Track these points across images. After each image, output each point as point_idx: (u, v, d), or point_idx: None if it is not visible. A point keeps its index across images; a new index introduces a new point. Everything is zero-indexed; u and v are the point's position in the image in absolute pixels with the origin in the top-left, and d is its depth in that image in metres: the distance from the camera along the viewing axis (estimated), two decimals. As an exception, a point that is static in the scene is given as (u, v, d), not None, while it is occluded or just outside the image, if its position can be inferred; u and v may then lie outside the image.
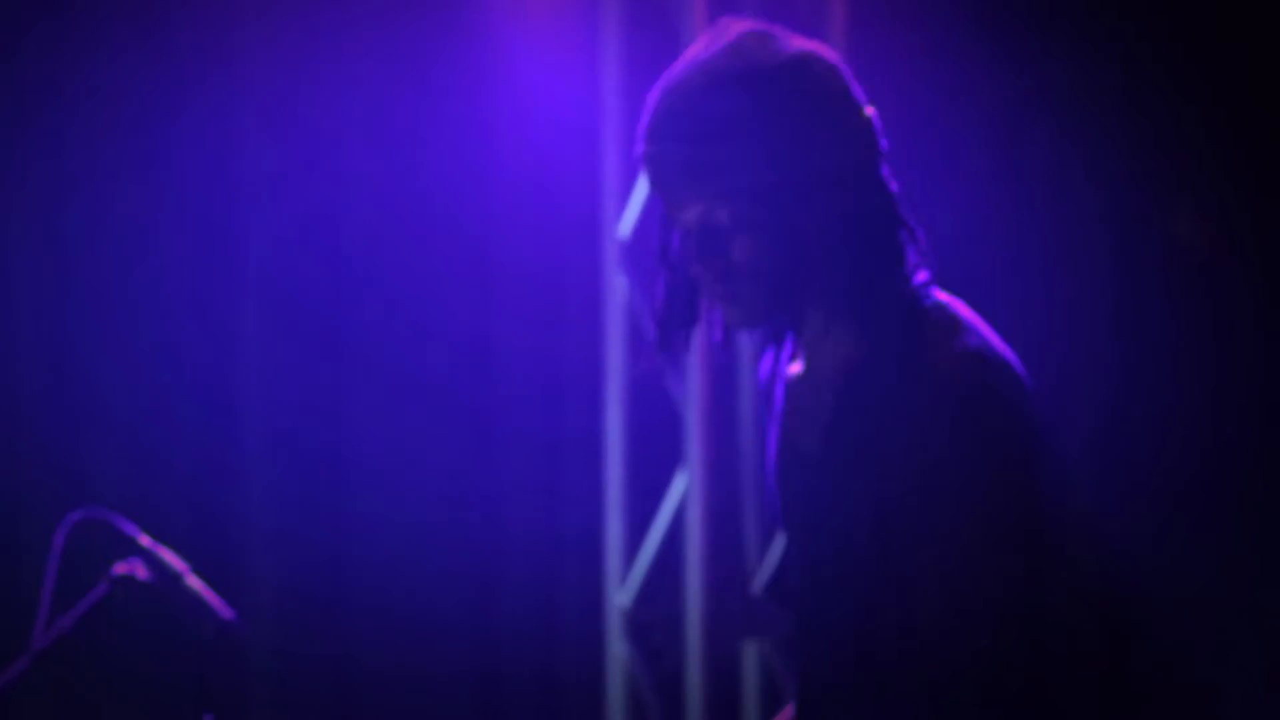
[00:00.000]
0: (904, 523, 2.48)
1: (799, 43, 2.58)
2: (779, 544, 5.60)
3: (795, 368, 2.66)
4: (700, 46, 2.58)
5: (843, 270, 2.57)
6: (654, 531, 5.43)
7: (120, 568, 3.26)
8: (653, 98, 2.59)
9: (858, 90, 2.59)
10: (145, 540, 3.30)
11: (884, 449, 2.51)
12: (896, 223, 2.60)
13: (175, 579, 3.27)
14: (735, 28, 2.59)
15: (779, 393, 2.68)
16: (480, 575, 5.50)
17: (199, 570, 3.37)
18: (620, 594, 5.43)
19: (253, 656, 5.06)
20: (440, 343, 5.43)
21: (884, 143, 2.60)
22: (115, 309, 5.15)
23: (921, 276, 2.60)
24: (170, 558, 3.30)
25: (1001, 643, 2.46)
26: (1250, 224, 5.35)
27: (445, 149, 5.42)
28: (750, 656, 5.64)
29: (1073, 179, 5.27)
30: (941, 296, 2.60)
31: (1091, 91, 5.31)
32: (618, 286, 5.42)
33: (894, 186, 2.60)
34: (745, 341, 5.61)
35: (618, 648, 5.41)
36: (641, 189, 5.39)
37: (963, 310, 2.59)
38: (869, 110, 2.59)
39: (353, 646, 5.28)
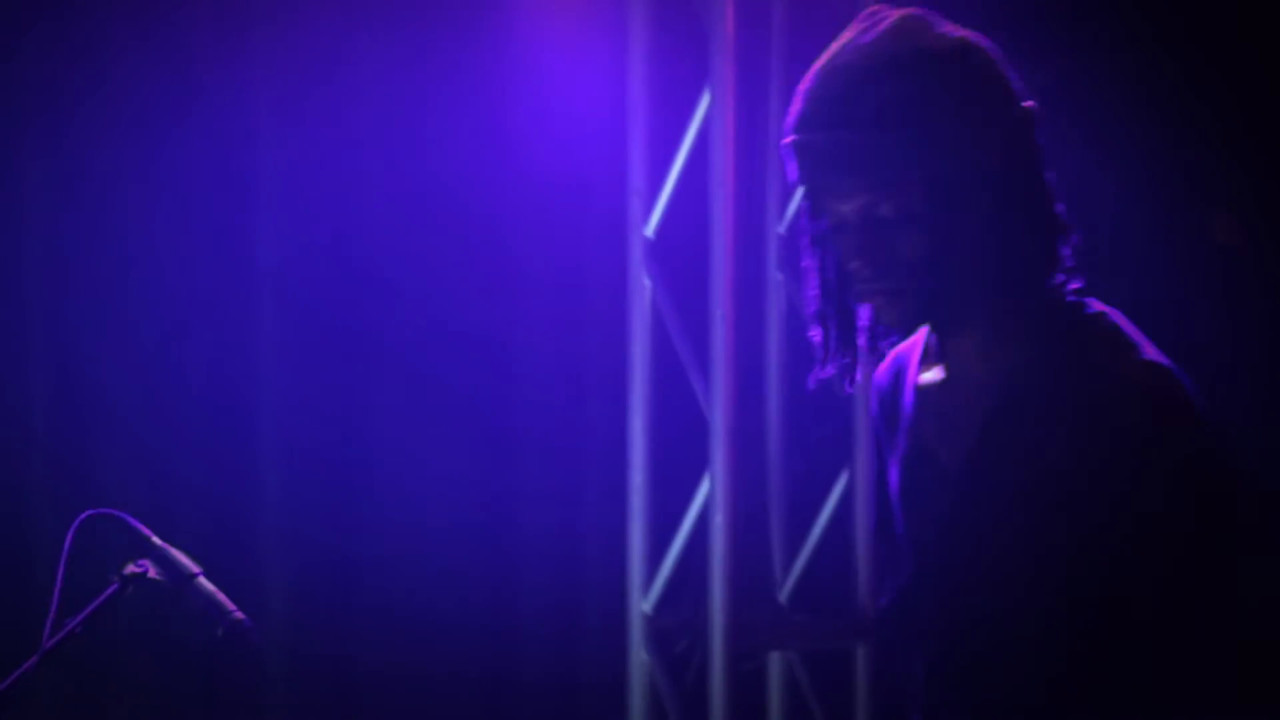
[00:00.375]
0: (1099, 535, 2.40)
1: (958, 29, 2.49)
2: (806, 554, 5.53)
3: (932, 375, 2.57)
4: (857, 31, 2.49)
5: (1004, 271, 2.48)
6: (678, 538, 5.35)
7: (131, 567, 3.18)
8: (809, 84, 2.49)
9: (1018, 81, 2.50)
10: (156, 540, 3.22)
11: (1058, 459, 2.43)
12: (1056, 223, 2.51)
13: (187, 579, 3.19)
14: (891, 12, 2.49)
15: (908, 402, 2.59)
16: (502, 580, 5.44)
17: (214, 572, 3.30)
18: (643, 601, 5.35)
19: (268, 661, 5.01)
20: (462, 343, 5.36)
21: (1042, 138, 2.52)
22: (129, 307, 5.09)
23: (1078, 282, 2.52)
24: (182, 558, 3.21)
25: (1214, 651, 2.40)
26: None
27: (470, 148, 5.35)
28: (775, 667, 5.56)
29: (1099, 180, 5.19)
30: (1099, 305, 2.52)
31: (1116, 89, 5.24)
32: (644, 287, 5.34)
33: (1053, 184, 2.52)
34: (772, 344, 5.57)
35: (640, 655, 5.33)
36: (669, 188, 5.32)
37: (1123, 320, 2.51)
38: (1029, 103, 2.51)
39: (370, 651, 5.23)
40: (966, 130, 2.44)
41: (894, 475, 2.61)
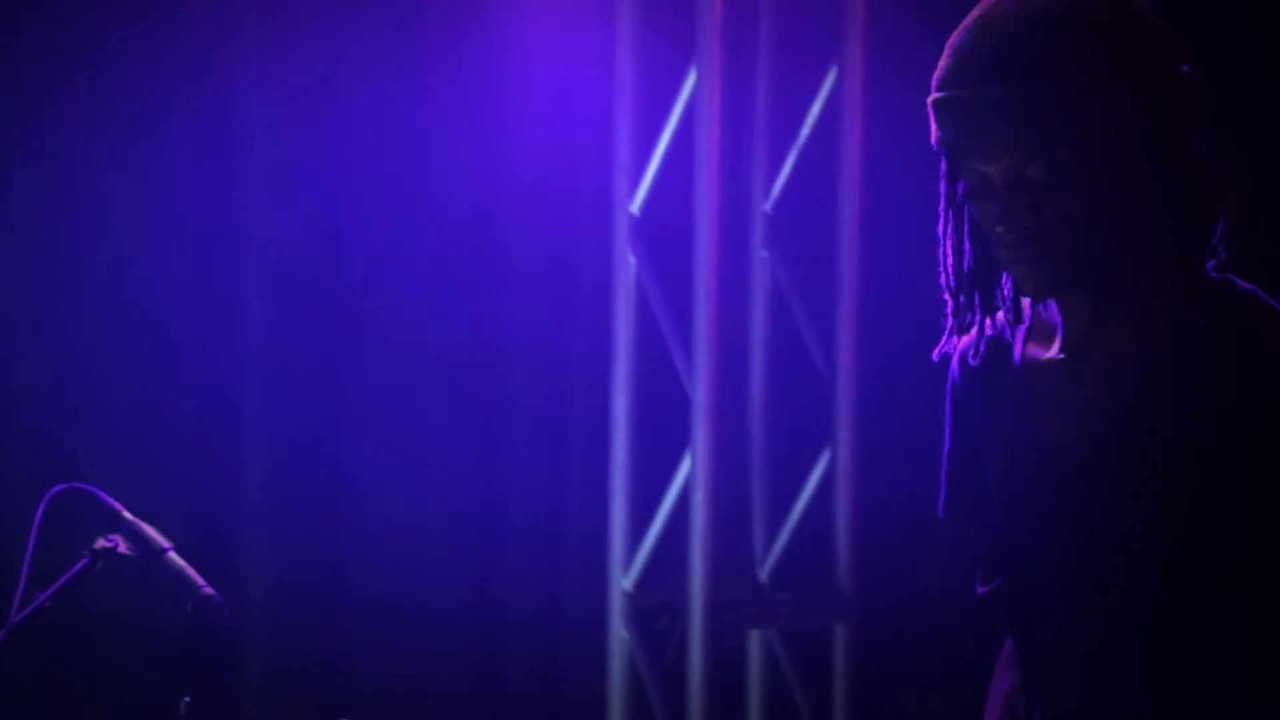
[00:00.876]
0: (1264, 519, 2.33)
1: None
2: (787, 533, 5.53)
3: (1046, 352, 2.47)
4: None
5: (1154, 241, 2.38)
6: (659, 516, 5.35)
7: (101, 542, 3.19)
8: (959, 39, 2.38)
9: (1175, 43, 2.40)
10: (127, 515, 3.23)
11: (1216, 439, 2.34)
12: (1208, 195, 2.40)
13: (157, 554, 3.20)
14: None
15: (1014, 380, 2.49)
16: (483, 557, 5.44)
17: (194, 554, 3.30)
18: (624, 579, 5.35)
19: (245, 639, 5.01)
20: (447, 320, 5.36)
21: (1199, 107, 2.41)
22: (110, 285, 5.07)
23: (1222, 258, 2.42)
24: (152, 533, 3.23)
25: None
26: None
27: (456, 126, 5.34)
28: (755, 645, 5.57)
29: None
30: (1246, 284, 2.43)
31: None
32: (628, 264, 5.33)
33: (1208, 154, 2.40)
34: (756, 323, 5.57)
35: (620, 633, 5.34)
36: (654, 165, 5.31)
37: (1275, 302, 2.42)
38: (1187, 67, 2.40)
39: (350, 629, 5.23)
40: (1122, 90, 2.33)
41: (993, 456, 2.52)
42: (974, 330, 2.50)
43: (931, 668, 5.65)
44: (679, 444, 5.27)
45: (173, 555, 3.23)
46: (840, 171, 5.38)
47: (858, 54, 5.34)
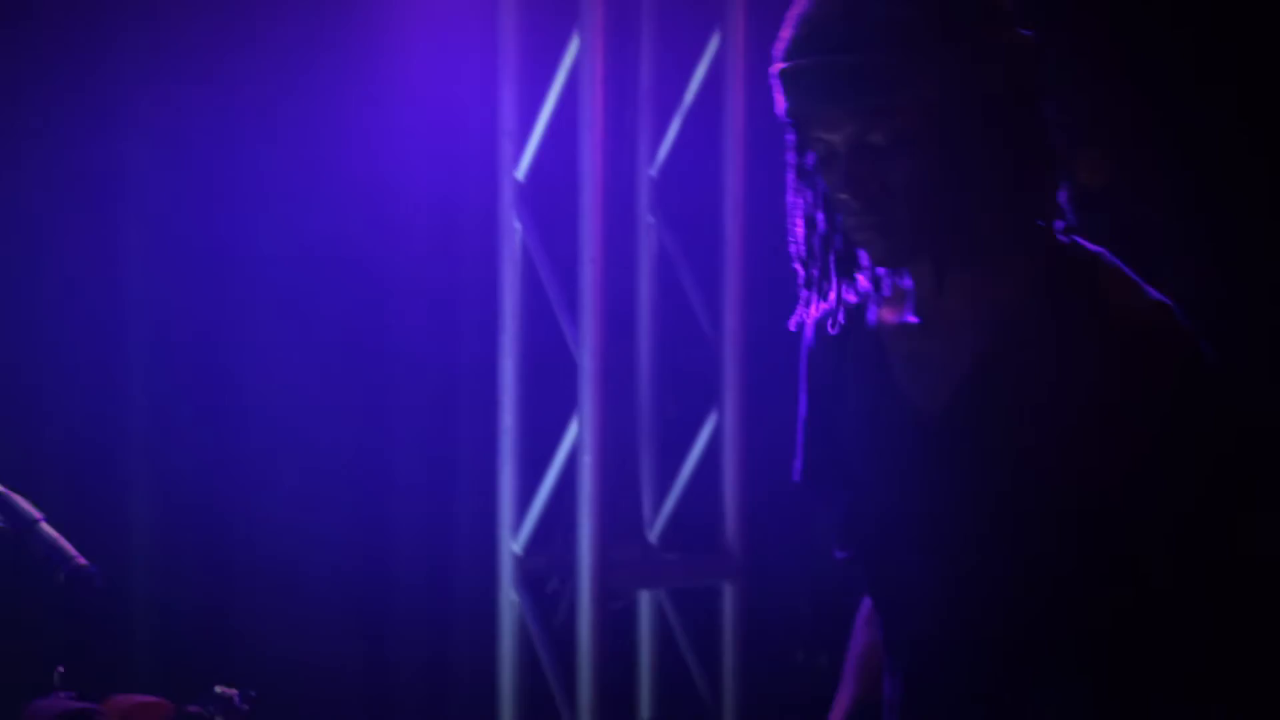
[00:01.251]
0: (1108, 474, 2.34)
1: None
2: (675, 494, 5.58)
3: (901, 316, 2.48)
4: None
5: (999, 205, 2.39)
6: (547, 479, 5.39)
7: (-30, 513, 3.17)
8: (800, 9, 2.39)
9: (1017, 8, 2.41)
10: (-1, 486, 3.22)
11: (1063, 398, 2.35)
12: (1054, 158, 2.41)
13: (28, 525, 3.19)
14: None
15: (869, 344, 2.51)
16: (372, 523, 5.46)
17: (67, 523, 3.30)
18: (513, 542, 5.40)
19: (124, 608, 5.00)
20: (332, 284, 5.36)
21: (1044, 70, 2.41)
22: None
23: (1070, 220, 2.43)
24: (23, 503, 3.21)
25: (1213, 588, 2.35)
26: (1151, 163, 5.34)
27: (341, 91, 5.34)
28: (645, 605, 5.62)
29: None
30: (1093, 247, 2.44)
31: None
32: (514, 229, 5.36)
33: (1052, 118, 2.41)
34: (643, 287, 5.61)
35: (510, 596, 5.38)
36: (539, 131, 5.34)
37: (1119, 261, 2.43)
38: (1029, 33, 2.41)
39: (234, 593, 5.22)
40: (962, 55, 2.34)
41: (849, 421, 2.54)
42: (831, 298, 2.50)
43: (818, 624, 5.73)
44: (567, 408, 5.31)
45: (44, 526, 3.20)
46: (724, 136, 5.43)
47: (740, 20, 5.40)
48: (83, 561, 3.19)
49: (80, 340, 5.09)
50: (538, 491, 5.40)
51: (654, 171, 5.56)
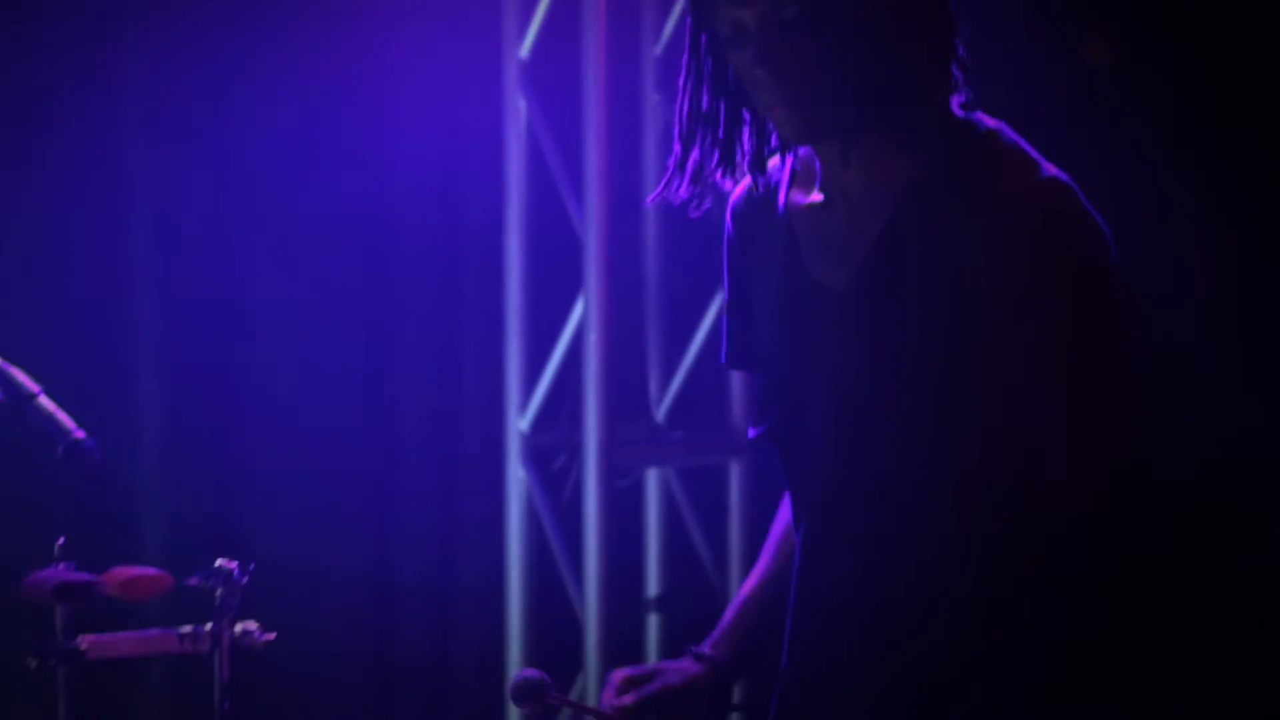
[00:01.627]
0: (1004, 345, 2.38)
1: None
2: (682, 372, 5.60)
3: (808, 196, 2.53)
4: None
5: (904, 80, 2.44)
6: (554, 357, 5.41)
7: (-32, 387, 3.21)
8: None
9: None
10: (-2, 359, 3.26)
11: (961, 271, 2.39)
12: (953, 32, 2.46)
13: (26, 399, 3.22)
14: None
15: (779, 224, 2.55)
16: (380, 397, 5.48)
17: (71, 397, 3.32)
18: (520, 420, 5.42)
19: (125, 482, 5.03)
20: (337, 165, 5.35)
21: None
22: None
23: (969, 97, 2.48)
24: (21, 376, 3.25)
25: (1109, 462, 2.38)
26: (1155, 42, 5.31)
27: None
28: (652, 483, 5.65)
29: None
30: (992, 120, 2.48)
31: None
32: (518, 108, 5.35)
33: None
34: (649, 165, 5.59)
35: (517, 473, 5.41)
36: (543, 8, 5.32)
37: (1018, 136, 2.47)
38: None
39: (242, 468, 5.25)
40: None
41: (763, 301, 2.58)
42: (744, 181, 2.57)
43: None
44: (573, 287, 5.32)
45: (43, 400, 3.25)
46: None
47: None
48: (80, 435, 3.23)
49: (87, 213, 5.09)
50: (544, 370, 5.42)
51: (659, 49, 5.54)
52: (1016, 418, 2.41)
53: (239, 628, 3.20)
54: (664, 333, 5.62)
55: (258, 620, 3.22)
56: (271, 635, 3.19)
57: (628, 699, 2.66)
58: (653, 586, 5.62)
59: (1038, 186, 2.40)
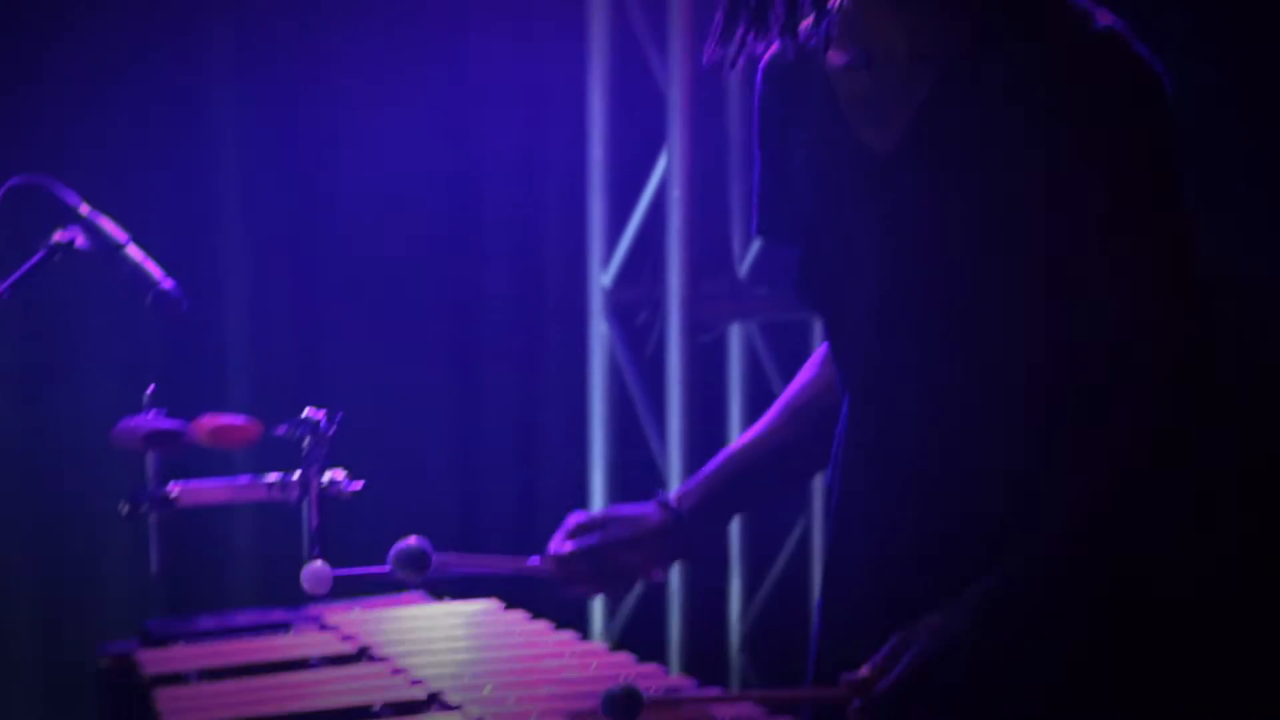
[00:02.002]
0: (1054, 208, 2.34)
1: None
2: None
3: (849, 58, 2.48)
4: None
5: None
6: (637, 212, 5.40)
7: (58, 235, 3.23)
8: None
9: None
10: (85, 208, 3.27)
11: (1016, 131, 2.36)
12: None
13: (115, 248, 3.25)
14: None
15: (820, 86, 2.49)
16: (464, 252, 5.50)
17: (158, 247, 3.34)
18: (603, 275, 5.42)
19: (212, 330, 5.09)
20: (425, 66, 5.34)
21: None
22: None
23: None
24: (110, 226, 3.27)
25: (1174, 330, 2.34)
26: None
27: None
28: (735, 337, 5.66)
29: None
30: None
31: None
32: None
33: None
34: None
35: (600, 327, 5.42)
36: None
37: None
38: None
39: (329, 313, 5.30)
40: None
41: (801, 167, 2.52)
42: (777, 42, 2.48)
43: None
44: (656, 141, 5.30)
45: (131, 249, 3.27)
46: None
47: None
48: (169, 284, 3.26)
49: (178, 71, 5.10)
50: (627, 225, 5.41)
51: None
52: (1072, 289, 2.37)
53: (326, 476, 3.21)
54: (746, 187, 5.59)
55: (345, 469, 3.24)
56: (359, 484, 3.21)
57: (568, 546, 2.65)
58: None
59: (1087, 45, 2.36)
